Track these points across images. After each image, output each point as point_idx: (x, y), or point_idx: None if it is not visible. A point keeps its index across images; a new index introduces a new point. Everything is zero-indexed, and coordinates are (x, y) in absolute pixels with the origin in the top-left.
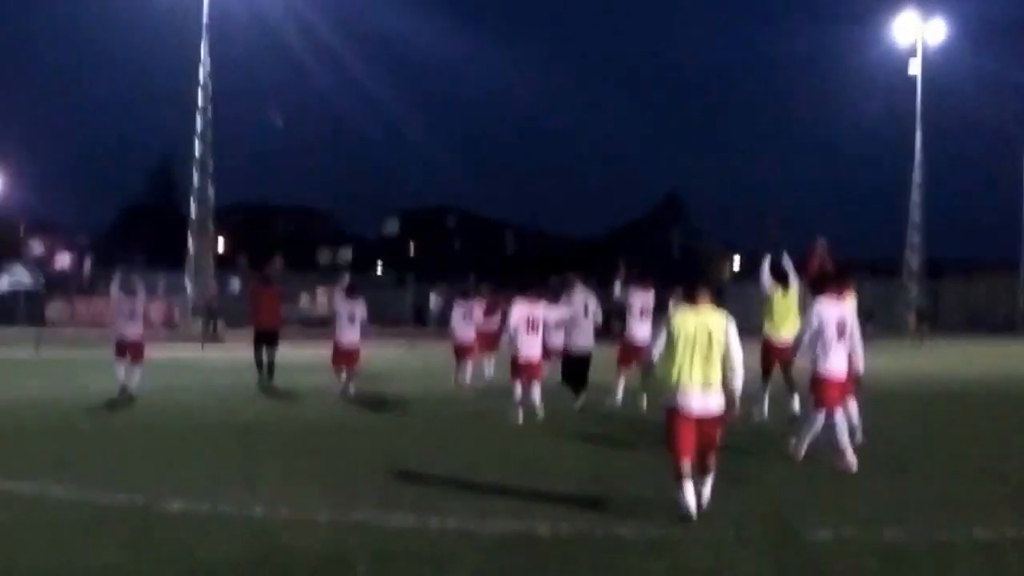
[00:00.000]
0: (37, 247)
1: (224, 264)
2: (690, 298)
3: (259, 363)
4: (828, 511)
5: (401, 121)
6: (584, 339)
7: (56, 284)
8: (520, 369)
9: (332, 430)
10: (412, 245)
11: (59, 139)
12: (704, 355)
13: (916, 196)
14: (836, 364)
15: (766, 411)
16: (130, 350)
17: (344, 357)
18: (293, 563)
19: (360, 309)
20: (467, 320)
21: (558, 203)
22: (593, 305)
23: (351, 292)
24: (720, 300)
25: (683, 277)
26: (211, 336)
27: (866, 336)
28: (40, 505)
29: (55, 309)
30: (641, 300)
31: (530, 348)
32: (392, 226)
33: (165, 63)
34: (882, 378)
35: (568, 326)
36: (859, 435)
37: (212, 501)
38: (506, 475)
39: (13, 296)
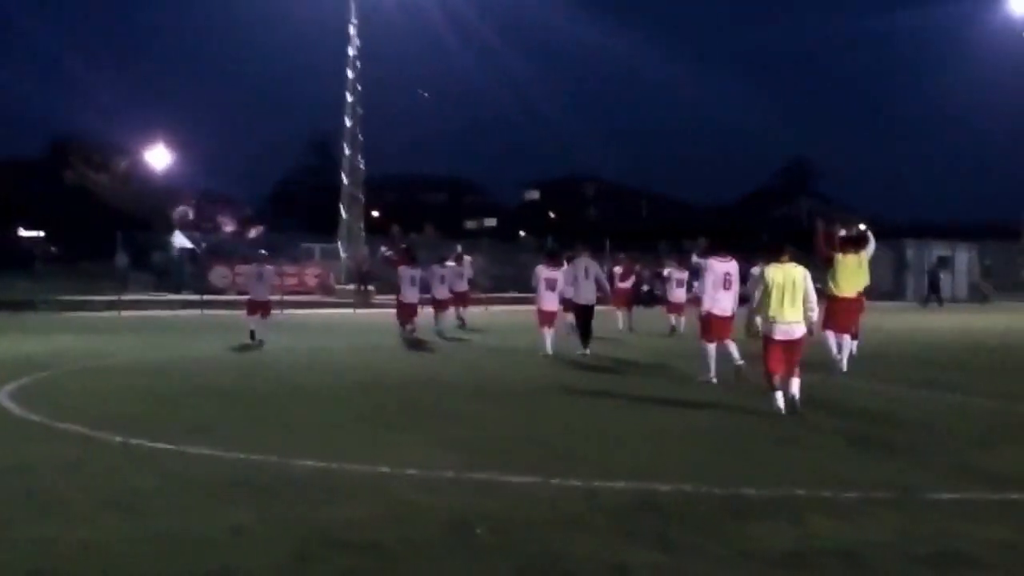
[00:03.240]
0: (189, 213)
1: (379, 232)
2: (778, 256)
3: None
4: (954, 474)
5: (540, 97)
6: (586, 295)
7: (217, 252)
8: (544, 316)
9: (463, 391)
10: (551, 213)
11: (226, 117)
12: (790, 297)
13: None
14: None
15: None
16: (260, 309)
17: (407, 310)
18: (414, 523)
19: (418, 275)
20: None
21: (691, 172)
22: (594, 269)
23: (411, 262)
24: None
25: (771, 242)
26: (363, 299)
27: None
28: (177, 467)
29: (217, 275)
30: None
31: (549, 302)
32: (532, 195)
33: (323, 44)
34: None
35: (575, 286)
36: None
37: (342, 461)
38: (630, 434)
39: (179, 263)
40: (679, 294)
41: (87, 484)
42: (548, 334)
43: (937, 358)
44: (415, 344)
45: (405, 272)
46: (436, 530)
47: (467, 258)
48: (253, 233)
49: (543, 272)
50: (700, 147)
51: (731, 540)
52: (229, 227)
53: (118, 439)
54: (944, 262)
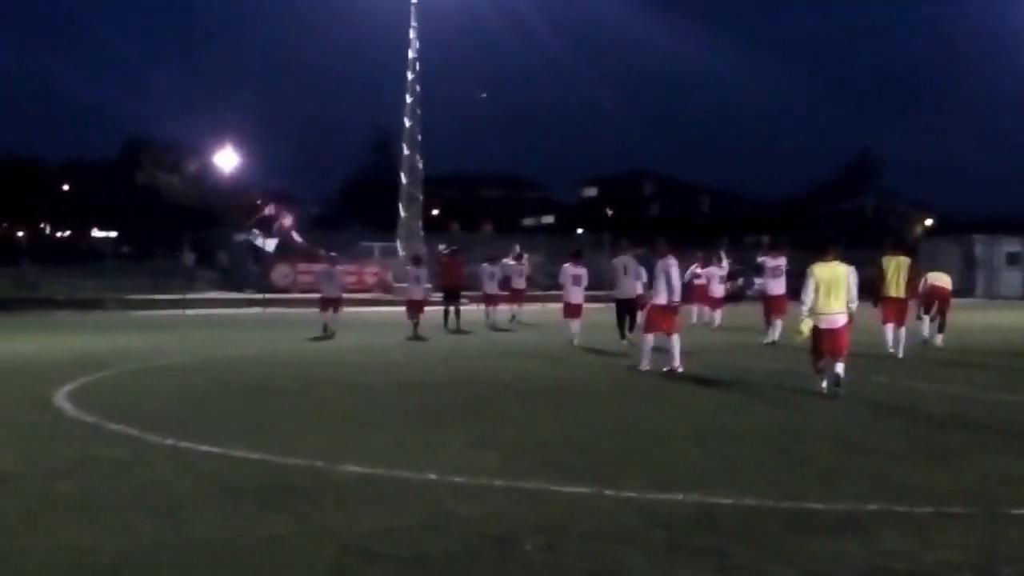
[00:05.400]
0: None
1: (438, 230)
2: (823, 256)
3: (446, 313)
4: None
5: (600, 93)
6: (624, 290)
7: (282, 250)
8: (570, 308)
9: (516, 390)
10: (609, 209)
11: (297, 119)
12: (835, 292)
13: None
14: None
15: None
16: (332, 305)
17: (415, 307)
18: (459, 535)
19: (423, 273)
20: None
21: (753, 166)
22: (632, 266)
23: (416, 261)
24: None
25: (819, 243)
26: None
27: None
28: (222, 471)
29: (279, 274)
30: (773, 263)
31: (574, 296)
32: (591, 192)
33: (388, 42)
34: None
35: (616, 281)
36: None
37: (388, 465)
38: (688, 437)
39: (243, 262)
40: (719, 290)
41: (131, 489)
42: (574, 324)
43: (1014, 358)
44: (469, 342)
45: (412, 271)
46: (482, 543)
47: (525, 256)
48: (310, 234)
49: (569, 269)
50: (762, 140)
51: (795, 560)
52: (292, 226)
53: (167, 442)
54: (1015, 258)
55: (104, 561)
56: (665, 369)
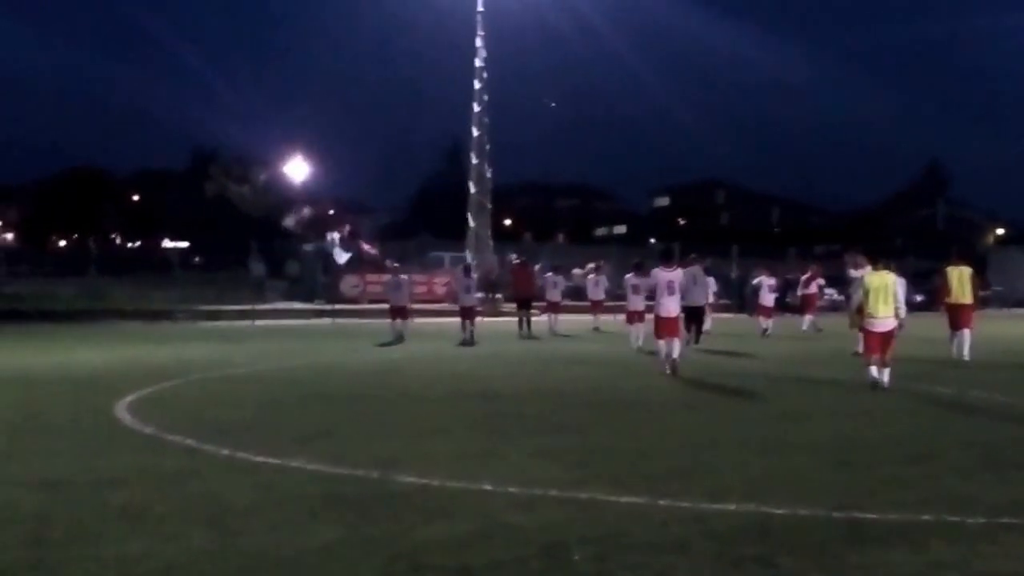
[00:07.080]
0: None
1: (511, 239)
2: (874, 266)
3: (519, 322)
4: None
5: (672, 102)
6: (693, 299)
7: (351, 261)
8: (632, 316)
9: (578, 401)
10: (682, 219)
11: (368, 128)
12: (884, 298)
13: None
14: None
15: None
16: (399, 313)
17: (467, 314)
18: (509, 545)
19: (473, 282)
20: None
21: (823, 175)
22: (702, 277)
23: (467, 271)
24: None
25: (870, 254)
26: (491, 307)
27: None
28: (276, 482)
29: (348, 284)
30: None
31: (636, 304)
32: (662, 202)
33: (457, 51)
34: None
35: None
36: None
37: (442, 475)
38: (747, 448)
39: (312, 272)
40: (769, 299)
41: (183, 499)
42: (636, 330)
43: None
44: (536, 351)
45: (464, 281)
46: (531, 553)
47: (603, 266)
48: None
49: (631, 280)
50: (835, 151)
51: (843, 569)
52: (364, 237)
53: (224, 452)
54: None
55: (150, 571)
56: (674, 359)
